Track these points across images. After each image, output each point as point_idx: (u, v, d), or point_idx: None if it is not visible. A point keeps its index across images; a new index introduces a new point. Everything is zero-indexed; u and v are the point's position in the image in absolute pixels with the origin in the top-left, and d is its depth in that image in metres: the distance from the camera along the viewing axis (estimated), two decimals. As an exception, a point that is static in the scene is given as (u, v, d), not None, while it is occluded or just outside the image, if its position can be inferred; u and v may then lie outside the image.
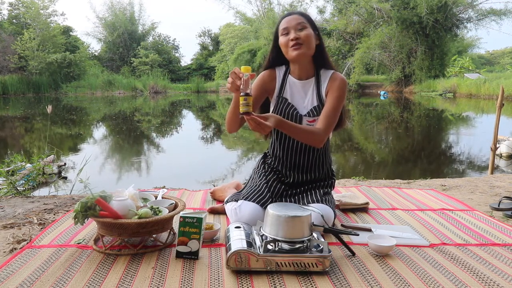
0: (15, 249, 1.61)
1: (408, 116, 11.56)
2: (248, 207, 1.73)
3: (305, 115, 1.79)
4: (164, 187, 2.75)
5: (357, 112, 13.49)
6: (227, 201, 1.87)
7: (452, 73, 21.91)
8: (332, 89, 1.78)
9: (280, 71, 1.87)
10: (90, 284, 1.28)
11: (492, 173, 3.90)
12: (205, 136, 8.48)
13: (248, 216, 1.69)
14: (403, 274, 1.37)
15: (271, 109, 1.88)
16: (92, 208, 1.48)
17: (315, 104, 1.79)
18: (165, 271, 1.38)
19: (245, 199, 1.77)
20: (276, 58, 1.84)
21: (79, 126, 9.90)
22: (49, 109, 3.93)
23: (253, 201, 1.76)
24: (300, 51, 1.71)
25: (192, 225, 1.45)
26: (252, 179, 1.94)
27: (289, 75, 1.85)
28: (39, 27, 23.55)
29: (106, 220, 1.46)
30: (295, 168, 1.86)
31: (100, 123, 10.90)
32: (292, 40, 1.70)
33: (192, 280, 1.32)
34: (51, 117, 10.56)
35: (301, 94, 1.83)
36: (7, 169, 3.50)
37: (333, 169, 1.99)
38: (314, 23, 1.78)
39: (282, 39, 1.74)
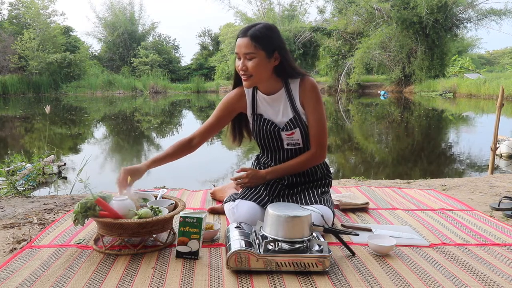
0: (15, 249, 1.61)
1: (408, 116, 11.55)
2: (245, 206, 1.73)
3: (282, 130, 1.78)
4: (164, 187, 2.76)
5: (357, 112, 13.49)
6: (226, 201, 1.87)
7: (452, 73, 21.90)
8: (306, 100, 1.75)
9: (248, 89, 1.84)
10: (90, 284, 1.28)
11: (492, 173, 3.90)
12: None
13: (245, 215, 1.69)
14: (403, 274, 1.37)
15: (251, 127, 1.88)
16: (92, 208, 1.48)
17: (291, 116, 1.77)
18: (165, 271, 1.38)
19: (242, 198, 1.77)
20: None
21: (79, 126, 9.89)
22: (47, 109, 3.92)
23: (250, 200, 1.76)
24: (248, 82, 1.70)
25: (192, 225, 1.45)
26: None
27: (258, 91, 1.82)
28: (39, 27, 23.52)
29: (106, 220, 1.46)
30: None
31: (100, 123, 10.89)
32: (241, 70, 1.68)
33: (192, 280, 1.32)
34: (51, 117, 10.56)
35: (274, 108, 1.80)
36: (7, 169, 3.50)
37: (330, 168, 1.99)
38: (271, 42, 1.65)
39: (236, 63, 1.71)
